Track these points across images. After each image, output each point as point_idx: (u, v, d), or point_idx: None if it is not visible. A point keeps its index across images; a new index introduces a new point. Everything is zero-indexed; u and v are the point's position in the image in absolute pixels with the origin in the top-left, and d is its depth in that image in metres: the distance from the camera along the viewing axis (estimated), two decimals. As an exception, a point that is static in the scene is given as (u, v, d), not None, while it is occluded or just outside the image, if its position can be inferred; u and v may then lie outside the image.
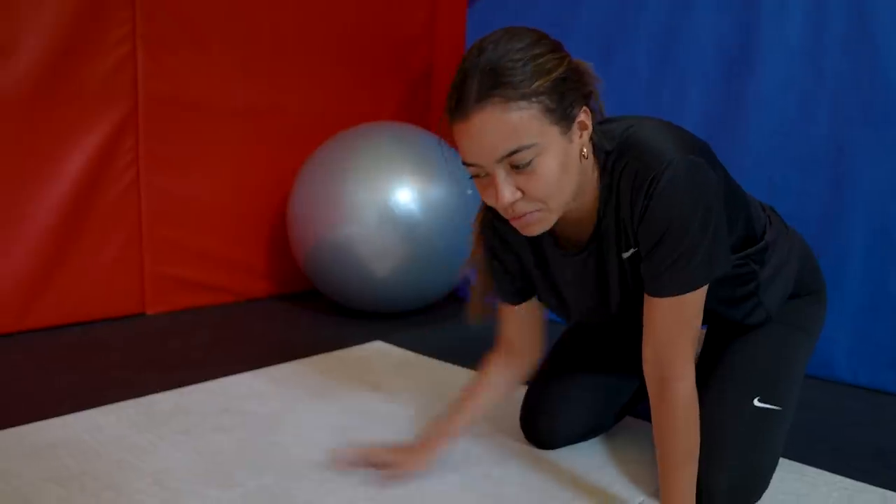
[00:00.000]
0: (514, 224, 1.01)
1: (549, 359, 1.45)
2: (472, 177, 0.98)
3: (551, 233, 1.12)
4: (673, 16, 2.14)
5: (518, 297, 1.26)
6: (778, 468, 1.24)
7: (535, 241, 1.16)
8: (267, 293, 2.69)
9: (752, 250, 1.17)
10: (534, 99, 0.90)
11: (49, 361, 1.89)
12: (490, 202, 0.98)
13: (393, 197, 2.28)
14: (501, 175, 0.94)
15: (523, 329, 1.29)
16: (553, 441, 1.39)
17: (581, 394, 1.39)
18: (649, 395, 1.07)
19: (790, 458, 1.36)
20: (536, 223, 0.99)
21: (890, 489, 1.28)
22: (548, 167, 0.93)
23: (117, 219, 2.27)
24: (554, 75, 0.92)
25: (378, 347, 2.11)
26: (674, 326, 1.02)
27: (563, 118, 0.94)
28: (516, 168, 0.93)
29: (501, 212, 0.99)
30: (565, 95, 0.93)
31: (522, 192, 0.95)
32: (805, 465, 1.37)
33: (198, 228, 2.46)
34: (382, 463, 1.23)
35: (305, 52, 2.67)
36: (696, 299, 1.02)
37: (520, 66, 0.90)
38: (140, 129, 2.27)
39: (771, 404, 1.20)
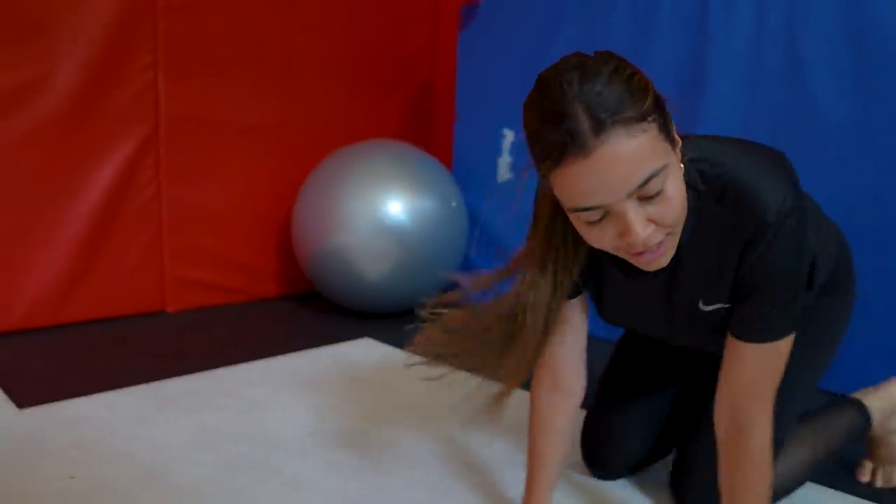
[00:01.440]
0: (639, 260, 0.90)
1: (605, 381, 1.41)
2: (581, 222, 0.87)
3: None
4: (637, 39, 2.33)
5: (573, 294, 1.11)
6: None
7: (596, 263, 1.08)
8: (276, 294, 2.96)
9: (825, 280, 1.18)
10: (649, 119, 0.81)
11: (79, 351, 2.17)
12: (608, 243, 0.87)
13: (385, 208, 2.52)
14: (632, 209, 0.83)
15: (570, 347, 1.14)
16: (618, 470, 1.36)
17: (641, 418, 1.33)
18: (719, 444, 1.02)
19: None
20: (665, 253, 0.91)
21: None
22: (676, 189, 0.85)
23: (140, 226, 2.55)
24: (652, 91, 0.84)
25: (365, 343, 2.35)
26: (759, 373, 0.98)
27: (669, 135, 0.86)
28: (647, 198, 0.83)
29: (628, 248, 0.87)
30: (665, 112, 0.86)
31: (656, 223, 0.86)
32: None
33: (213, 235, 2.73)
34: None
35: (312, 73, 2.92)
36: (784, 347, 0.98)
37: (624, 86, 0.81)
38: (161, 147, 2.56)
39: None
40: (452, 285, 1.21)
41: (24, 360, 2.07)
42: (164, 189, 2.59)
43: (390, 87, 3.24)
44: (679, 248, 0.97)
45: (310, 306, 2.86)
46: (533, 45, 2.63)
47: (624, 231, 0.84)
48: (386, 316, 2.70)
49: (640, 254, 0.89)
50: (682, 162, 0.91)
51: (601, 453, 1.36)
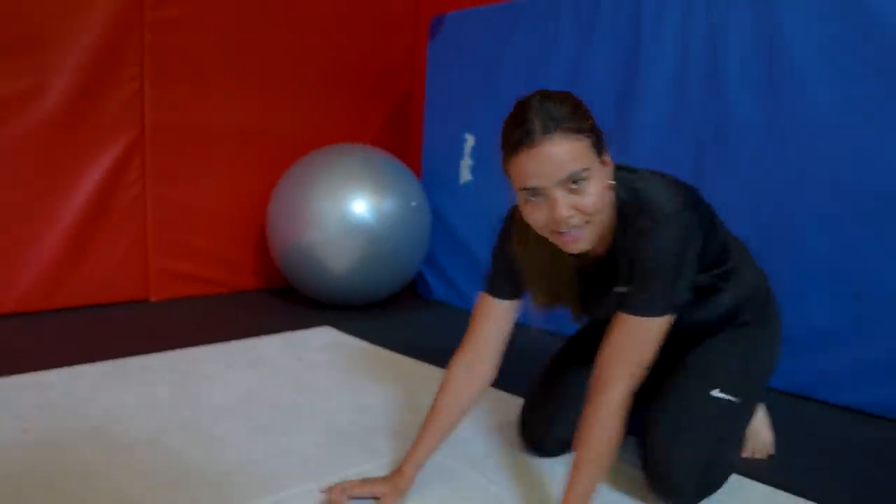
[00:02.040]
0: (562, 241, 1.15)
1: (548, 366, 1.57)
2: (523, 200, 1.14)
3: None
4: (579, 52, 2.50)
5: (508, 295, 1.33)
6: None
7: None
8: (253, 287, 3.18)
9: (718, 271, 1.34)
10: (585, 134, 1.10)
11: (65, 333, 2.41)
12: (541, 220, 1.13)
13: (350, 208, 2.72)
14: (559, 193, 1.09)
15: (497, 331, 1.33)
16: (549, 447, 1.50)
17: (578, 399, 1.41)
18: (587, 397, 1.19)
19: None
20: (582, 239, 1.14)
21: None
22: (597, 189, 1.11)
23: (127, 221, 2.79)
24: (591, 120, 1.13)
25: (324, 331, 2.55)
26: (631, 343, 1.17)
27: (600, 153, 1.13)
28: (572, 189, 1.09)
29: (554, 226, 1.12)
30: (599, 136, 1.14)
31: (576, 208, 1.11)
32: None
33: (194, 231, 2.96)
34: (360, 495, 1.29)
35: (294, 81, 3.15)
36: (654, 327, 1.17)
37: (570, 110, 1.10)
38: (146, 150, 2.79)
39: (728, 395, 1.33)
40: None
41: (14, 338, 2.31)
42: (149, 188, 2.83)
43: (370, 96, 3.45)
44: (615, 238, 1.23)
45: (283, 298, 3.07)
46: (489, 56, 2.82)
47: (551, 210, 1.11)
48: (351, 308, 2.89)
49: (562, 234, 1.14)
50: (613, 180, 1.19)
51: (536, 432, 1.51)
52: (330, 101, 3.29)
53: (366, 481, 1.31)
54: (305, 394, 1.87)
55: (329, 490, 1.29)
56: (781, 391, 2.05)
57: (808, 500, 1.38)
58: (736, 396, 1.34)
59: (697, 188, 1.29)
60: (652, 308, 1.17)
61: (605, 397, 1.16)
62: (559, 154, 1.08)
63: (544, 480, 1.42)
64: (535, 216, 1.14)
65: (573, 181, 1.09)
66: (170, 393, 1.84)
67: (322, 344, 2.38)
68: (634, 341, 1.17)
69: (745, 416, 1.39)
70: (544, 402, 1.53)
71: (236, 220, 3.08)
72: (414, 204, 2.81)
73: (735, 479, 1.44)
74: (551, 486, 1.39)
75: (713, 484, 1.33)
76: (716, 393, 1.33)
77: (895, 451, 1.66)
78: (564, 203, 1.10)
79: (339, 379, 2.01)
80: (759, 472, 1.50)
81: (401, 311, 2.92)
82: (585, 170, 1.10)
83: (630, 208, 1.20)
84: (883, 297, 1.85)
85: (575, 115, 1.10)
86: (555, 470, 1.45)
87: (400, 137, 3.57)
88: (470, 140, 2.93)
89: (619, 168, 1.23)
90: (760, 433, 1.61)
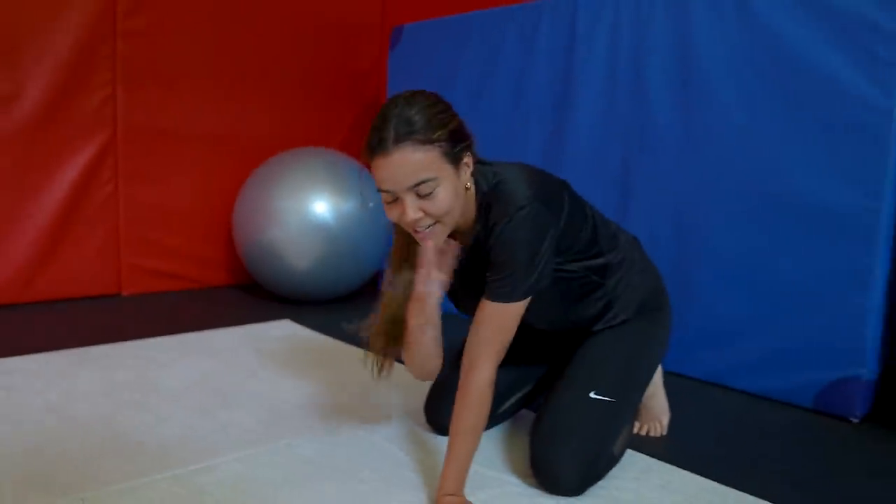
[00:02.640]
0: (417, 237, 1.28)
1: (454, 358, 1.60)
2: (383, 199, 1.24)
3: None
4: (523, 63, 2.66)
5: None
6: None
7: None
8: (222, 283, 3.34)
9: (593, 265, 1.45)
10: (436, 144, 1.20)
11: (37, 323, 2.56)
12: (394, 219, 1.25)
13: (311, 207, 2.88)
14: (409, 198, 1.21)
15: None
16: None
17: None
18: (461, 375, 1.31)
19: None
20: (433, 235, 1.27)
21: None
22: (443, 194, 1.22)
23: (100, 219, 2.95)
24: (449, 127, 1.22)
25: (283, 324, 2.71)
26: (492, 327, 1.29)
27: (455, 160, 1.24)
28: (420, 194, 1.21)
29: (406, 227, 1.25)
30: (456, 143, 1.23)
31: (424, 212, 1.22)
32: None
33: (165, 229, 3.12)
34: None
35: (264, 86, 3.31)
36: (513, 312, 1.29)
37: (427, 119, 1.20)
38: (119, 151, 2.96)
39: (602, 395, 1.43)
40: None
41: (-13, 328, 2.47)
42: (122, 188, 2.99)
43: (339, 101, 3.61)
44: (477, 228, 1.34)
45: (250, 294, 3.23)
46: (444, 65, 2.98)
47: (402, 212, 1.23)
48: (311, 303, 3.05)
49: (417, 232, 1.27)
50: (476, 176, 1.31)
51: (436, 408, 1.66)
52: (299, 106, 3.45)
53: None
54: (252, 379, 2.03)
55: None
56: (693, 378, 2.22)
57: (696, 474, 1.52)
58: (613, 397, 1.43)
59: (565, 182, 1.43)
60: (508, 295, 1.29)
61: (474, 377, 1.29)
62: (408, 164, 1.19)
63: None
64: (392, 214, 1.26)
65: (422, 188, 1.21)
66: (126, 378, 2.00)
67: (279, 335, 2.54)
68: (495, 325, 1.30)
69: (625, 412, 1.47)
70: (448, 388, 1.63)
71: (206, 218, 3.24)
72: (372, 205, 2.97)
73: (630, 455, 1.60)
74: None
75: (596, 476, 1.42)
76: (594, 395, 1.42)
77: (787, 433, 1.82)
78: (413, 206, 1.22)
79: (287, 366, 2.17)
80: (656, 449, 1.65)
81: (359, 306, 3.06)
82: (433, 179, 1.20)
83: (489, 200, 1.31)
84: (780, 291, 2.01)
85: (430, 125, 1.20)
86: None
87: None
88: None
89: (486, 163, 1.36)
90: (657, 414, 1.77)
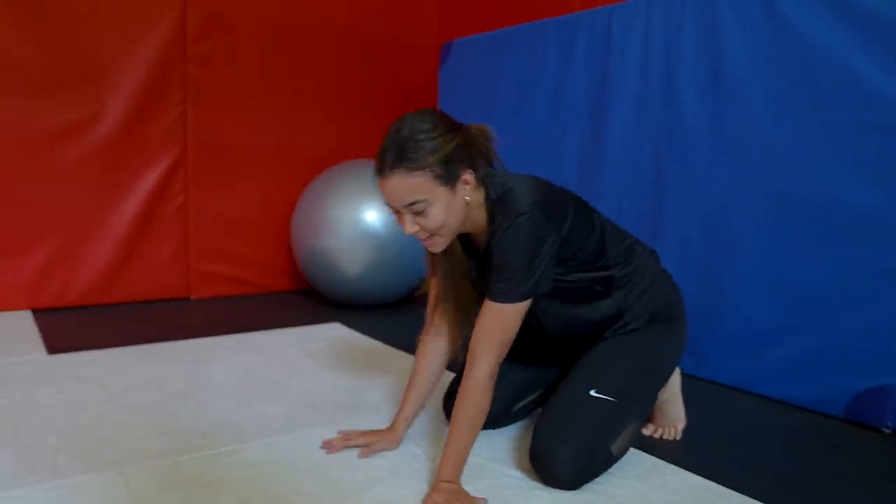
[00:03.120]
0: (423, 244, 1.41)
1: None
2: (391, 212, 1.39)
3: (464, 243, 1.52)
4: (560, 71, 2.73)
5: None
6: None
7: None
8: (283, 288, 3.54)
9: (598, 276, 1.51)
10: (427, 169, 1.31)
11: (115, 322, 2.82)
12: (400, 228, 1.40)
13: (363, 217, 3.03)
14: (407, 215, 1.35)
15: (450, 304, 1.56)
16: None
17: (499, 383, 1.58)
18: (464, 370, 1.39)
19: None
20: (434, 244, 1.41)
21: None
22: (435, 212, 1.34)
23: (172, 228, 3.21)
24: (443, 152, 1.32)
25: (333, 327, 2.86)
26: (492, 326, 1.38)
27: (449, 180, 1.34)
28: (415, 212, 1.34)
29: (415, 236, 1.39)
30: (451, 165, 1.33)
31: (420, 226, 1.36)
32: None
33: (230, 237, 3.35)
34: (363, 444, 1.59)
35: (323, 102, 3.50)
36: (511, 312, 1.37)
37: (419, 146, 1.31)
38: (189, 165, 3.20)
39: (603, 395, 1.48)
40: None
41: (71, 326, 2.74)
42: (191, 198, 3.24)
43: (395, 115, 3.73)
44: (488, 233, 1.42)
45: (307, 298, 3.41)
46: (487, 78, 3.08)
47: (403, 226, 1.37)
48: (362, 307, 3.20)
49: (422, 240, 1.41)
50: (487, 186, 1.41)
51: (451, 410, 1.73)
52: (356, 121, 3.63)
53: (365, 432, 1.62)
54: (294, 375, 2.18)
55: (334, 439, 1.61)
56: (721, 384, 2.21)
57: (700, 476, 1.55)
58: (614, 397, 1.47)
59: (575, 196, 1.50)
60: (508, 296, 1.37)
61: (474, 372, 1.38)
62: (400, 188, 1.33)
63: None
64: (398, 224, 1.41)
65: (415, 207, 1.33)
66: (180, 371, 2.19)
67: (327, 337, 2.69)
68: (495, 324, 1.38)
69: (627, 413, 1.50)
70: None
71: (268, 227, 3.45)
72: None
73: (636, 454, 1.63)
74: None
75: (593, 472, 1.46)
76: (594, 393, 1.48)
77: (810, 440, 1.80)
78: (410, 222, 1.36)
79: (329, 365, 2.31)
80: (667, 452, 1.68)
81: (408, 311, 3.19)
82: (424, 200, 1.32)
83: (497, 207, 1.40)
84: (810, 295, 1.99)
85: (422, 152, 1.31)
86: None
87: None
88: (473, 155, 3.18)
89: (497, 174, 1.45)
90: (672, 419, 1.79)
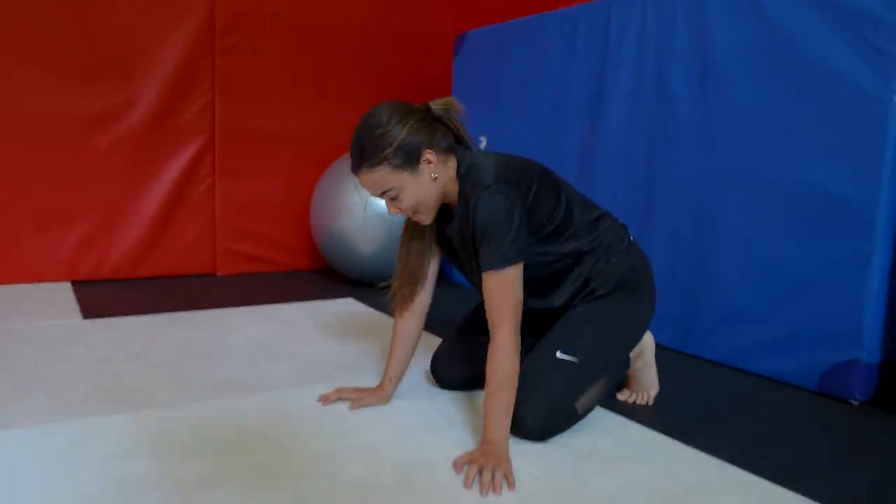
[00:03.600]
0: (413, 218, 1.60)
1: (457, 323, 1.95)
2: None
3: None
4: (563, 63, 2.85)
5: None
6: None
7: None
8: (303, 267, 3.74)
9: (566, 248, 1.63)
10: (385, 162, 1.48)
11: (144, 294, 3.04)
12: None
13: (376, 200, 3.19)
14: (385, 201, 1.56)
15: (428, 290, 1.76)
16: (451, 384, 1.90)
17: (470, 351, 1.83)
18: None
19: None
20: (420, 219, 1.58)
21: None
22: (405, 195, 1.52)
23: (199, 209, 3.42)
24: (396, 143, 1.46)
25: (346, 301, 3.04)
26: (499, 293, 1.48)
27: (408, 162, 1.48)
28: (389, 198, 1.53)
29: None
30: (405, 148, 1.47)
31: (398, 208, 1.55)
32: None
33: (254, 218, 3.55)
34: (353, 398, 1.76)
35: (343, 92, 3.68)
36: (508, 277, 1.48)
37: (374, 143, 1.46)
38: (216, 151, 3.41)
39: (569, 356, 1.60)
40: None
41: (104, 296, 2.97)
42: (218, 182, 3.44)
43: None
44: (458, 206, 1.57)
45: (325, 277, 3.60)
46: (497, 68, 3.21)
47: (387, 209, 1.58)
48: (375, 285, 3.36)
49: (410, 216, 1.59)
50: (459, 161, 1.55)
51: (437, 369, 1.92)
52: (375, 109, 3.79)
53: (357, 388, 1.79)
54: (304, 343, 2.36)
55: (329, 393, 1.78)
56: (706, 359, 2.32)
57: (661, 433, 1.68)
58: (576, 358, 1.59)
59: (543, 169, 1.62)
60: (498, 263, 1.48)
61: (497, 338, 1.48)
62: (368, 183, 1.53)
63: (449, 403, 1.82)
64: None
65: (387, 194, 1.53)
66: (200, 336, 2.39)
67: (339, 310, 2.87)
68: (498, 291, 1.49)
69: (591, 373, 1.62)
70: (448, 352, 1.91)
71: (288, 209, 3.65)
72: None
73: (603, 413, 1.77)
74: (451, 409, 1.79)
75: (557, 427, 1.59)
76: (559, 354, 1.60)
77: (778, 408, 1.91)
78: (389, 205, 1.56)
79: (337, 335, 2.48)
80: (638, 415, 1.81)
81: (419, 290, 3.35)
82: (390, 189, 1.51)
83: (464, 182, 1.54)
84: (787, 278, 2.09)
85: (376, 149, 1.47)
86: (456, 397, 1.85)
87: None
88: (484, 140, 3.33)
89: (466, 150, 1.58)
90: (646, 386, 1.92)
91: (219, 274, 3.53)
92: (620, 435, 1.65)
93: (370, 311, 2.89)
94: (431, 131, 1.53)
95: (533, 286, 1.66)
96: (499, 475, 1.35)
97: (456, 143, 1.60)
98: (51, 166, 3.09)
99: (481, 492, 1.32)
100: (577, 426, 1.67)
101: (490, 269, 1.49)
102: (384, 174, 1.50)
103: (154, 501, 1.24)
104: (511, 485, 1.35)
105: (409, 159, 1.50)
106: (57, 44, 3.03)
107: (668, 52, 2.42)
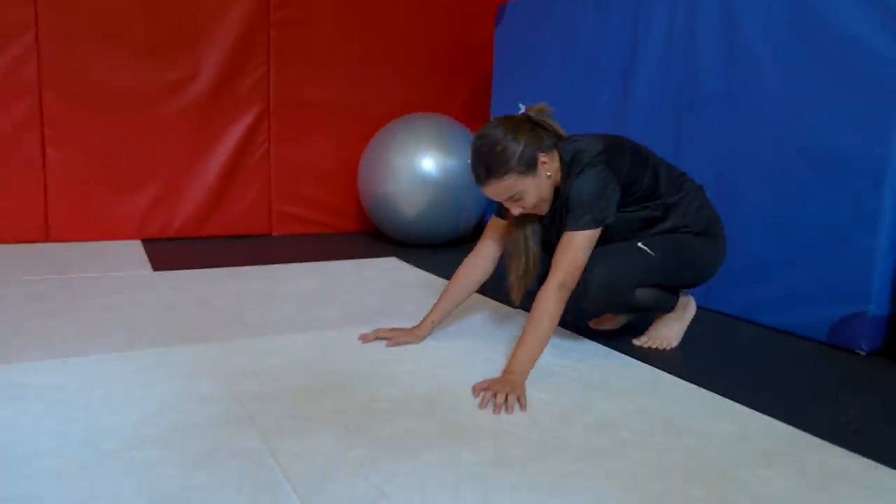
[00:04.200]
0: (531, 211, 1.79)
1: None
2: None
3: None
4: (595, 39, 2.96)
5: (504, 216, 1.93)
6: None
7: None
8: (352, 229, 3.97)
9: (653, 204, 1.86)
10: (511, 171, 1.66)
11: (209, 253, 3.32)
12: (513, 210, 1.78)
13: (419, 164, 3.38)
14: (508, 203, 1.74)
15: (495, 238, 1.95)
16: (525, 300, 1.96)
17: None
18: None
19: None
20: (540, 210, 1.79)
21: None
22: (529, 196, 1.71)
23: (256, 174, 3.67)
24: (517, 155, 1.66)
25: (388, 260, 3.25)
26: (566, 248, 1.69)
27: (530, 168, 1.68)
28: (515, 200, 1.72)
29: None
30: (526, 157, 1.67)
31: (522, 207, 1.74)
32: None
33: (306, 182, 3.80)
34: (389, 337, 1.95)
35: (392, 61, 3.87)
36: (583, 237, 1.69)
37: (498, 158, 1.65)
38: (271, 119, 3.65)
39: (648, 249, 1.85)
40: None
41: (172, 252, 3.25)
42: (273, 149, 3.69)
43: (457, 74, 4.08)
44: (561, 189, 1.78)
45: (372, 238, 3.83)
46: (535, 38, 3.33)
47: (511, 209, 1.78)
48: (419, 246, 3.57)
49: (528, 211, 1.79)
50: (560, 151, 1.76)
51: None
52: (421, 78, 3.97)
53: (394, 329, 1.98)
54: (347, 293, 2.59)
55: (368, 333, 1.98)
56: (725, 313, 2.44)
57: (663, 371, 1.83)
58: (654, 252, 1.84)
59: (635, 145, 1.86)
60: (580, 224, 1.70)
61: (546, 286, 1.67)
62: (496, 192, 1.71)
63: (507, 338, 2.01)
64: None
65: (512, 198, 1.71)
66: (258, 287, 2.63)
67: (383, 267, 3.09)
68: (569, 249, 1.70)
69: (656, 272, 1.87)
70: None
71: (339, 174, 3.88)
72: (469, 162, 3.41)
73: (616, 355, 1.93)
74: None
75: (613, 295, 1.82)
76: (640, 244, 1.85)
77: (786, 356, 2.03)
78: (513, 207, 1.75)
79: (380, 287, 2.70)
80: (651, 358, 1.96)
81: (459, 250, 3.54)
82: (516, 193, 1.70)
83: (571, 168, 1.76)
84: (801, 234, 2.19)
85: (500, 163, 1.65)
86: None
87: (481, 111, 4.16)
88: (522, 108, 3.45)
89: (569, 139, 1.79)
90: (667, 336, 2.06)
91: (274, 234, 3.79)
92: (631, 372, 1.82)
93: (412, 268, 3.09)
94: (539, 136, 1.72)
95: (626, 233, 1.87)
96: (511, 398, 1.54)
97: (556, 138, 1.78)
98: (123, 134, 3.38)
99: (494, 411, 1.51)
100: (590, 362, 1.84)
101: (571, 227, 1.71)
102: (511, 182, 1.68)
103: (216, 409, 1.47)
104: (523, 406, 1.54)
105: (530, 165, 1.69)
106: (127, 22, 3.29)
107: (695, 22, 2.51)
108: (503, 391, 1.55)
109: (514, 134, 1.67)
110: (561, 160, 1.76)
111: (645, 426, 1.47)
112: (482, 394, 1.58)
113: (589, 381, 1.73)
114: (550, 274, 1.69)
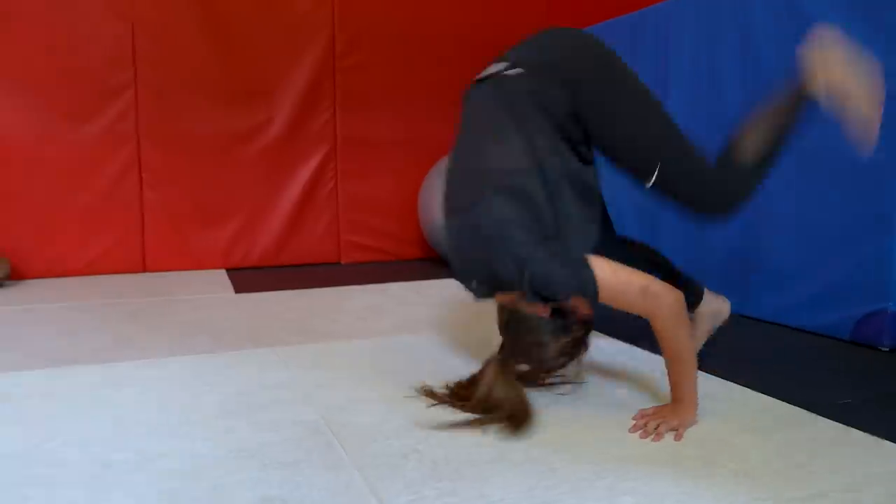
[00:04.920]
0: None
1: None
2: None
3: None
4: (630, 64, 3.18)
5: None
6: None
7: None
8: (416, 256, 4.27)
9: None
10: None
11: (287, 278, 3.67)
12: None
13: (472, 192, 3.65)
14: None
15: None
16: None
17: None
18: None
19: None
20: None
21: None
22: None
23: (325, 208, 4.03)
24: None
25: (447, 283, 3.51)
26: (616, 295, 1.53)
27: None
28: None
29: None
30: None
31: None
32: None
33: (372, 214, 4.13)
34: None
35: (444, 97, 4.16)
36: (601, 278, 1.50)
37: None
38: (338, 157, 4.02)
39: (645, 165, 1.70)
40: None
41: (252, 278, 3.62)
42: (340, 184, 4.05)
43: (509, 108, 4.35)
44: None
45: (433, 265, 4.10)
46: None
47: None
48: (474, 268, 3.81)
49: None
50: None
51: None
52: (474, 115, 4.26)
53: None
54: (403, 307, 2.85)
55: None
56: (755, 318, 2.57)
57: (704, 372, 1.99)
58: (649, 158, 1.72)
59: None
60: (576, 289, 1.54)
61: (651, 322, 1.52)
62: None
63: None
64: None
65: None
66: (324, 303, 2.94)
67: (440, 288, 3.35)
68: (616, 295, 1.53)
69: (672, 145, 1.77)
70: None
71: (401, 205, 4.20)
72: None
73: (631, 349, 2.11)
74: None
75: (734, 193, 1.77)
76: (646, 183, 1.71)
77: (806, 352, 2.16)
78: None
79: (433, 304, 2.95)
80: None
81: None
82: None
83: None
84: (822, 239, 2.32)
85: None
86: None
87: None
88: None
89: None
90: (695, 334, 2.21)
91: (342, 262, 4.12)
92: (653, 365, 2.00)
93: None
94: None
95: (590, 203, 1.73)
96: (664, 426, 1.46)
97: None
98: (209, 175, 3.81)
99: (640, 436, 1.47)
100: (615, 358, 2.04)
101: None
102: None
103: (287, 394, 1.75)
104: (678, 437, 1.45)
105: None
106: (211, 77, 3.74)
107: (717, 46, 2.71)
108: (667, 423, 1.48)
109: None
110: None
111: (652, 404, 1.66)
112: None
113: (610, 370, 1.92)
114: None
